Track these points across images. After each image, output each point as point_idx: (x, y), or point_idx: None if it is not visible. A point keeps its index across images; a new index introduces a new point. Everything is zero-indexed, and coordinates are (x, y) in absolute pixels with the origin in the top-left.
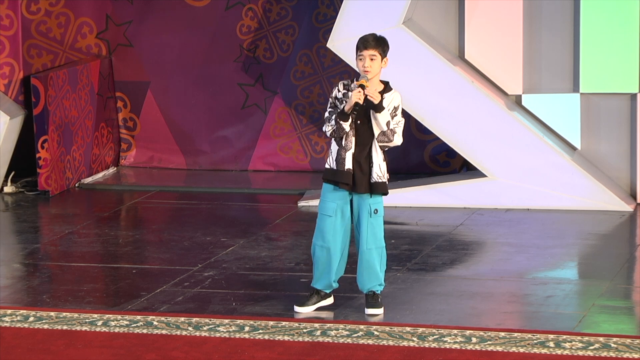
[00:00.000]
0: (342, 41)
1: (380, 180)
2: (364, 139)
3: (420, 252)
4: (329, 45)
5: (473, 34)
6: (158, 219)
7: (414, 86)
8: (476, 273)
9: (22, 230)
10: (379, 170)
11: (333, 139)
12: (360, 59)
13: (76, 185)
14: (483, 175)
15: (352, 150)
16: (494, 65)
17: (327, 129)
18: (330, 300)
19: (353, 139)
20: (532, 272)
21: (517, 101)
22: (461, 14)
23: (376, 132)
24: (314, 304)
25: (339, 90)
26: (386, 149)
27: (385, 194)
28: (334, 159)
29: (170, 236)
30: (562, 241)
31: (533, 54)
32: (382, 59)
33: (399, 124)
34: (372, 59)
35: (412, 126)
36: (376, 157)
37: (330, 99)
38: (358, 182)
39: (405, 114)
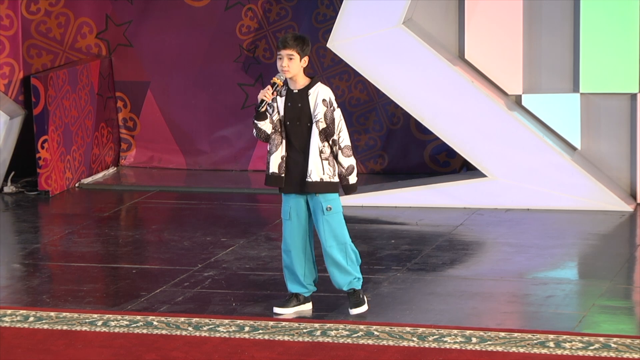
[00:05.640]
0: (342, 41)
1: (312, 180)
2: (299, 140)
3: (420, 252)
4: (328, 45)
5: (473, 34)
6: (158, 219)
7: (414, 86)
8: (476, 273)
9: (22, 230)
10: (315, 168)
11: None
12: (280, 59)
13: (76, 185)
14: (483, 175)
15: (281, 153)
16: (494, 65)
17: (254, 131)
18: (308, 306)
19: (283, 141)
20: (532, 272)
21: (517, 101)
22: (461, 14)
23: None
24: (294, 306)
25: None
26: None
27: (329, 192)
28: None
29: (170, 236)
30: (562, 241)
31: (533, 54)
32: (301, 58)
33: (341, 133)
34: (290, 59)
35: (412, 126)
36: (314, 157)
37: None
38: (288, 182)
39: (405, 114)
